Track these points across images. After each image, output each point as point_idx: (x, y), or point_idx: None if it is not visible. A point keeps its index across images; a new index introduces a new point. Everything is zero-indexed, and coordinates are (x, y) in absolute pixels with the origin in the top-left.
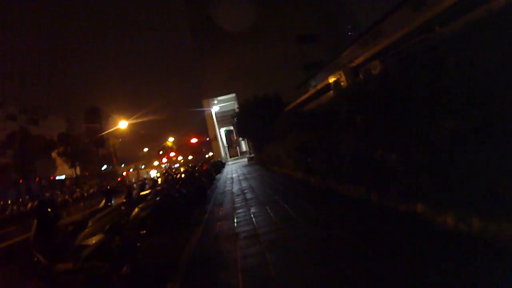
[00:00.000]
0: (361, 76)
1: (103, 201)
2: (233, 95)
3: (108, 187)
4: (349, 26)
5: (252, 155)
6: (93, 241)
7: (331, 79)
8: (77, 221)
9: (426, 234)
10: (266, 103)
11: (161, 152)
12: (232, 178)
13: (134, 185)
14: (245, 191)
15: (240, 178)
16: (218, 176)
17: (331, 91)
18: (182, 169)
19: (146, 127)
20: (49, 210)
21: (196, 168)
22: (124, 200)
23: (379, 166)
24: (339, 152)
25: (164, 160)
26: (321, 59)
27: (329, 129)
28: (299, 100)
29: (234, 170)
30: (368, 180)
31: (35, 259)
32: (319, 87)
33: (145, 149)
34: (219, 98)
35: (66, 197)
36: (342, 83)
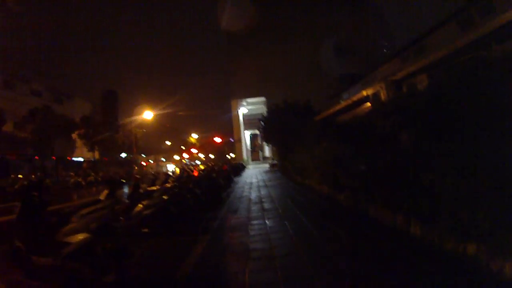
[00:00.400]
0: (404, 89)
1: (105, 192)
2: (262, 98)
3: (113, 177)
4: (386, 43)
5: (275, 161)
6: (76, 240)
7: (369, 91)
8: (64, 212)
9: (477, 284)
10: (296, 110)
11: (183, 147)
12: (251, 183)
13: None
14: (264, 200)
15: (260, 184)
16: (237, 179)
17: (368, 104)
18: (201, 167)
19: (172, 121)
20: (34, 194)
21: (216, 168)
22: (129, 193)
23: (426, 191)
24: (376, 169)
25: (186, 155)
26: (356, 72)
27: (366, 143)
28: (331, 110)
29: (254, 175)
30: (409, 206)
31: (15, 246)
32: (355, 98)
33: (168, 142)
34: (248, 100)
35: (79, 179)
36: (382, 96)
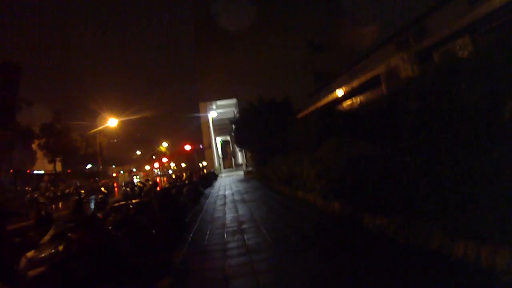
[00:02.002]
0: (436, 60)
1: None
2: (233, 100)
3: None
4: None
5: (250, 168)
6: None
7: (380, 69)
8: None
9: None
10: (274, 108)
11: (154, 157)
12: (224, 196)
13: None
14: (245, 227)
15: (235, 198)
16: (208, 190)
17: (364, 96)
18: (173, 176)
19: (141, 130)
20: None
21: (178, 181)
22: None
23: None
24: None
25: (156, 165)
26: (333, 69)
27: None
28: (321, 103)
29: (228, 184)
30: None
31: None
32: (359, 81)
33: (138, 152)
34: (218, 102)
35: (36, 195)
36: (403, 72)
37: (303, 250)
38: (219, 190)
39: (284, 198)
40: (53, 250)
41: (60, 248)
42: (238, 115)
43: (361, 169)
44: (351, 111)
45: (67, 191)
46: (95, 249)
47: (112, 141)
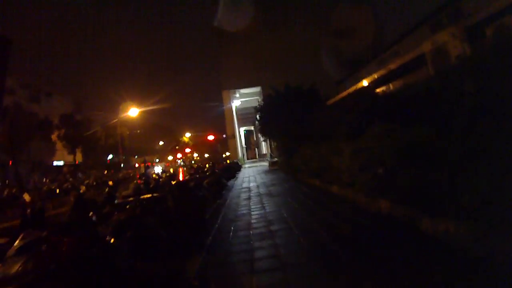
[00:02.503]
0: (490, 36)
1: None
2: (257, 88)
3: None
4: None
5: (275, 159)
6: None
7: (426, 47)
8: None
9: None
10: (300, 96)
11: (177, 147)
12: (249, 189)
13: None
14: (274, 227)
15: (261, 191)
16: (231, 182)
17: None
18: (194, 166)
19: (164, 120)
20: None
21: (199, 172)
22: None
23: None
24: None
25: (179, 155)
26: (360, 56)
27: None
28: (354, 88)
29: (252, 176)
30: None
31: None
32: (399, 63)
33: (161, 143)
34: (242, 91)
35: (53, 186)
36: (455, 49)
37: (350, 263)
38: (243, 182)
39: (316, 193)
40: (20, 267)
41: (30, 264)
42: (262, 102)
43: (418, 160)
44: (396, 93)
45: (86, 182)
46: (79, 264)
47: (135, 131)
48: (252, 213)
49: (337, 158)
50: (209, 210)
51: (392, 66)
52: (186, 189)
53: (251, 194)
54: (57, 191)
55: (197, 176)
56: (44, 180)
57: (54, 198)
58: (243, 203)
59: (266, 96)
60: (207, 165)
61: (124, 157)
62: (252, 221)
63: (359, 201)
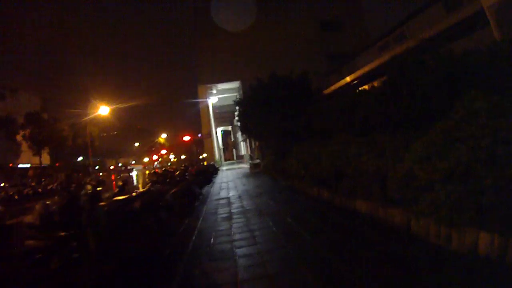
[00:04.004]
0: None
1: None
2: (236, 84)
3: None
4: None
5: (257, 161)
6: None
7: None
8: None
9: None
10: (290, 86)
11: (153, 149)
12: (229, 201)
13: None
14: None
15: (246, 205)
16: (206, 189)
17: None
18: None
19: (140, 121)
20: None
21: (169, 178)
22: None
23: None
24: None
25: (155, 157)
26: (347, 50)
27: None
28: (360, 71)
29: (231, 181)
30: None
31: None
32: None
33: (136, 144)
34: (219, 86)
35: (11, 193)
36: None
37: None
38: (220, 190)
39: (333, 211)
40: None
41: None
42: (248, 92)
43: None
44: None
45: (50, 186)
46: None
47: (112, 133)
48: (238, 255)
49: (374, 159)
50: (168, 245)
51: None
52: (125, 216)
53: (233, 210)
54: (16, 197)
55: (158, 186)
56: (3, 184)
57: (12, 206)
58: (222, 227)
59: (248, 87)
60: (178, 168)
61: (99, 159)
62: (241, 276)
63: (431, 233)
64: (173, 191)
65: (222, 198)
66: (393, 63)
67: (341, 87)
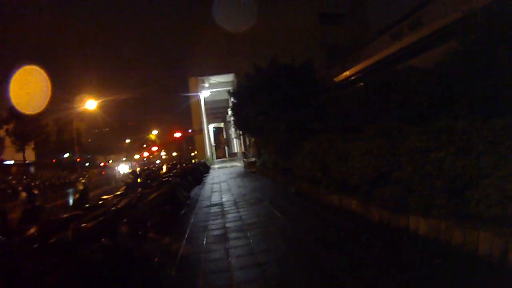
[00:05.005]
0: None
1: None
2: (230, 77)
3: None
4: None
5: (253, 159)
6: None
7: None
8: None
9: None
10: (293, 75)
11: (144, 146)
12: (222, 208)
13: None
14: None
15: (244, 217)
16: (196, 192)
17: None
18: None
19: (131, 117)
20: None
21: (150, 179)
22: None
23: None
24: None
25: (146, 154)
26: (346, 44)
27: None
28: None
29: (224, 181)
30: None
31: None
32: None
33: (127, 140)
34: (212, 79)
35: None
36: None
37: None
38: (212, 193)
39: (375, 232)
40: None
41: None
42: (246, 81)
43: None
44: None
45: (32, 184)
46: None
47: (104, 129)
48: None
49: (453, 157)
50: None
51: None
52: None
53: (228, 223)
54: None
55: (131, 195)
56: None
57: None
58: (214, 254)
59: (245, 75)
60: (164, 167)
61: (89, 156)
62: None
63: None
64: (151, 197)
65: (214, 205)
66: (468, 22)
67: (360, 71)
